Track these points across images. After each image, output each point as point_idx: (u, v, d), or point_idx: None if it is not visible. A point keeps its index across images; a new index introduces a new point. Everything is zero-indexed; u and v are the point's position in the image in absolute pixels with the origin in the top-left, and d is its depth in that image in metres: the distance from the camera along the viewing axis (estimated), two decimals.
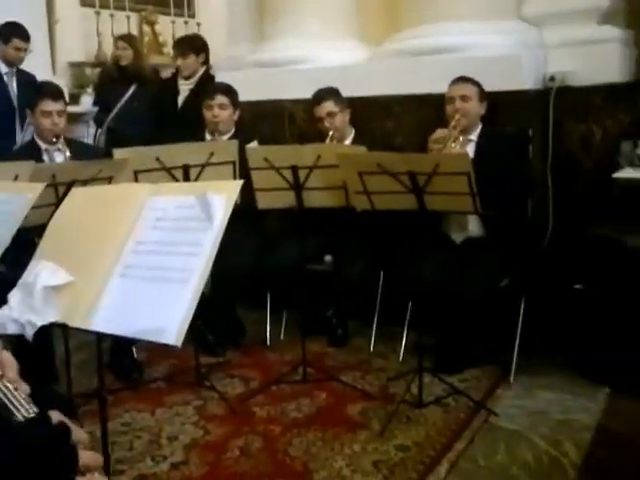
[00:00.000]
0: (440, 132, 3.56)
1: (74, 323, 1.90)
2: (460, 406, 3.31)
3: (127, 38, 6.23)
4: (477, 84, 3.78)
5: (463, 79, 3.78)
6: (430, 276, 3.45)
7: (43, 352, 3.41)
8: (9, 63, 5.26)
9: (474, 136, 3.79)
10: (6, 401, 1.22)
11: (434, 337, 3.72)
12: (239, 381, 3.71)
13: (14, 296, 1.99)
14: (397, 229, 3.70)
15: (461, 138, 3.60)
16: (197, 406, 3.41)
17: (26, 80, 5.27)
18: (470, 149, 3.68)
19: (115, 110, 5.89)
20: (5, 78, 5.28)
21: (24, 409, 1.22)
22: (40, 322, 1.91)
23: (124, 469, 2.83)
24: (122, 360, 3.76)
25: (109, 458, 2.21)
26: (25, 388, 1.28)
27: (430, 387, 3.43)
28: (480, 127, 3.82)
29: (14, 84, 5.31)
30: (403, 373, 3.57)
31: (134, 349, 3.86)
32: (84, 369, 3.74)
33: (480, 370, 3.68)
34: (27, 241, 2.42)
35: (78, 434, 1.24)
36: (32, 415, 1.21)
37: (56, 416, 1.25)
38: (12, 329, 1.94)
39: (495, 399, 3.39)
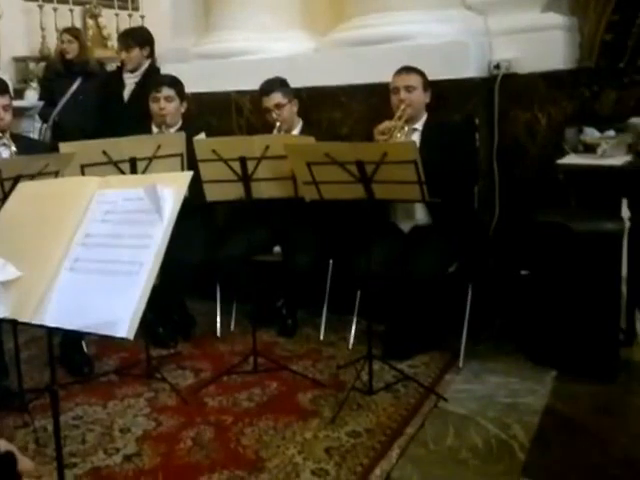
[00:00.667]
0: (385, 124, 3.58)
1: (24, 318, 1.87)
2: (410, 392, 3.36)
3: (72, 31, 6.13)
4: (421, 73, 3.79)
5: (407, 69, 3.79)
6: (378, 264, 3.49)
7: None
8: None
9: (419, 125, 3.82)
10: None
11: (383, 324, 3.78)
12: (190, 372, 3.71)
13: None
14: (345, 218, 3.74)
15: (406, 128, 3.61)
16: (149, 398, 3.41)
17: None
18: (415, 138, 3.70)
19: (61, 104, 5.82)
20: None
21: None
22: None
23: (77, 462, 2.82)
24: (72, 354, 3.74)
25: (61, 451, 2.17)
26: None
27: (380, 374, 3.49)
28: (425, 116, 3.85)
29: None
30: (353, 361, 3.60)
31: (84, 343, 3.83)
32: (34, 364, 3.74)
33: (429, 356, 3.74)
34: None
35: (24, 463, 1.22)
36: None
37: (3, 444, 1.22)
38: None
39: (444, 384, 3.45)
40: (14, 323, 1.96)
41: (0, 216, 2.20)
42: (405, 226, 3.87)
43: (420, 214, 3.81)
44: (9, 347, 3.49)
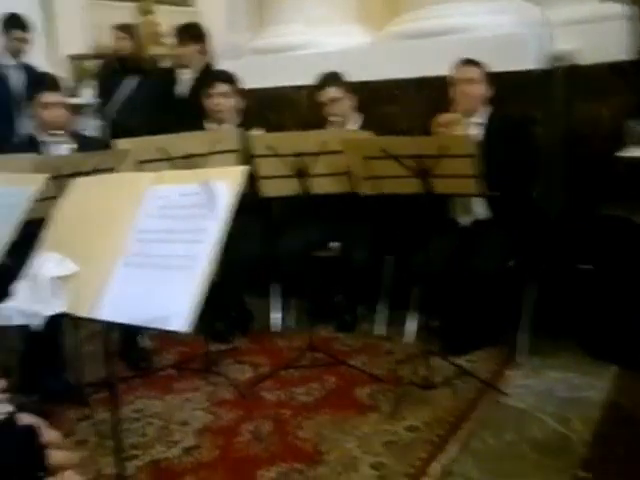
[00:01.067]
0: (445, 116, 3.55)
1: (81, 313, 1.92)
2: (468, 387, 3.32)
3: (125, 28, 6.15)
4: (482, 66, 3.74)
5: (468, 62, 3.75)
6: (436, 259, 3.46)
7: (52, 342, 3.42)
8: (11, 55, 5.25)
9: (479, 119, 3.76)
10: None
11: (441, 320, 3.74)
12: (248, 367, 3.74)
13: (20, 288, 2.00)
14: (402, 213, 3.71)
15: (466, 121, 3.58)
16: (207, 392, 3.45)
17: (30, 73, 5.26)
18: (475, 131, 3.66)
19: (118, 102, 5.88)
20: (7, 70, 5.27)
21: None
22: (47, 312, 1.93)
23: (138, 454, 2.87)
24: (129, 349, 3.80)
25: (121, 443, 2.24)
26: (1, 384, 1.27)
27: (438, 369, 3.45)
28: (486, 109, 3.79)
29: (17, 76, 5.30)
30: (411, 356, 3.58)
31: (139, 338, 3.87)
32: (95, 359, 3.71)
33: (487, 351, 3.69)
34: (33, 234, 2.43)
35: (49, 435, 1.24)
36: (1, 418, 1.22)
37: (27, 418, 1.24)
38: (18, 320, 1.95)
39: (503, 379, 3.40)
40: (75, 319, 1.98)
41: (57, 212, 2.24)
42: (464, 220, 3.82)
43: (479, 208, 3.76)
44: (70, 342, 3.55)
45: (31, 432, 1.20)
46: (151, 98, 5.55)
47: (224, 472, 2.74)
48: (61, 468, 1.20)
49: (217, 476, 2.72)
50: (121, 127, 5.64)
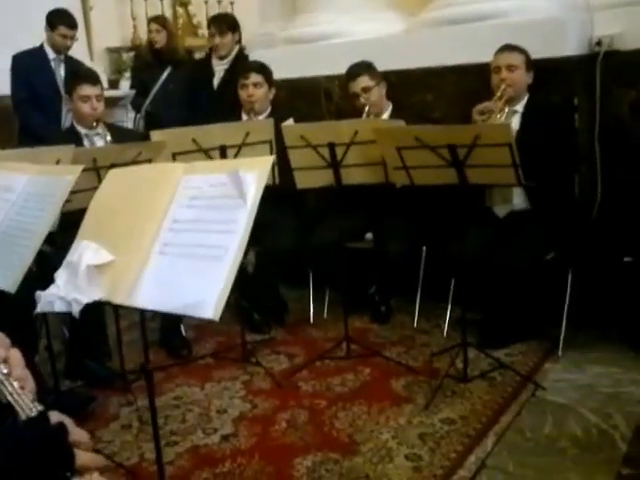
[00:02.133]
0: (486, 104, 3.50)
1: (117, 300, 1.96)
2: (506, 380, 3.28)
3: (159, 20, 6.20)
4: (524, 52, 3.67)
5: (509, 47, 3.67)
6: (473, 250, 3.42)
7: (95, 330, 3.53)
8: (56, 50, 5.30)
9: (520, 107, 3.70)
10: (12, 401, 1.22)
11: (478, 312, 3.68)
12: (284, 357, 3.76)
13: (60, 275, 2.07)
14: (438, 204, 3.66)
15: (506, 109, 3.53)
16: (244, 381, 3.49)
17: (74, 67, 5.27)
18: (516, 120, 3.63)
19: (152, 94, 5.92)
20: (53, 64, 5.31)
21: (28, 409, 1.22)
22: (85, 300, 1.98)
23: (178, 440, 2.94)
24: (171, 338, 3.87)
25: (157, 429, 2.26)
26: (31, 385, 1.27)
27: (475, 362, 3.42)
28: (527, 97, 3.73)
29: (61, 71, 5.33)
30: (447, 348, 3.54)
31: (182, 327, 3.95)
32: (136, 347, 3.80)
33: (526, 344, 3.63)
34: (73, 225, 2.45)
35: (78, 434, 1.22)
36: (33, 415, 1.21)
37: (56, 416, 1.23)
38: (59, 307, 2.02)
39: (542, 373, 3.35)
40: (114, 307, 2.03)
41: (93, 202, 2.28)
42: (501, 211, 3.76)
43: (518, 199, 3.70)
44: (112, 330, 3.64)
45: (62, 431, 1.18)
46: (184, 90, 5.58)
47: (261, 459, 2.78)
48: (87, 469, 1.20)
49: (254, 463, 2.75)
50: (155, 118, 5.70)
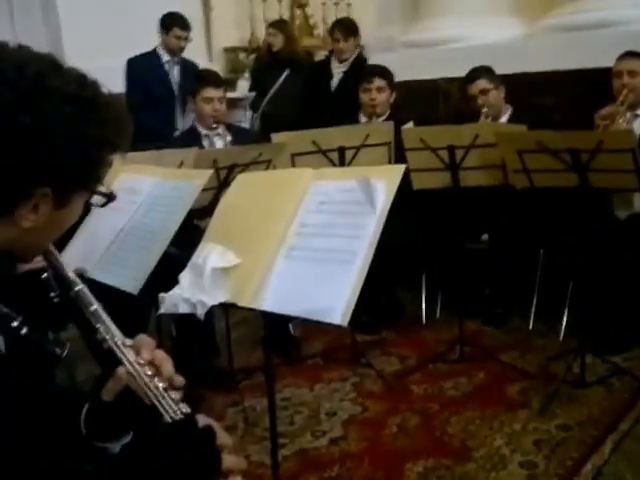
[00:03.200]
0: (608, 108, 3.50)
1: (243, 303, 1.98)
2: (625, 386, 3.20)
3: (277, 24, 6.34)
4: None
5: (631, 54, 3.70)
6: (593, 253, 3.34)
7: (206, 329, 3.51)
8: (171, 52, 5.47)
9: None
10: (156, 403, 1.22)
11: (596, 316, 3.59)
12: (395, 359, 3.74)
13: (185, 277, 2.09)
14: (557, 206, 3.60)
15: (629, 114, 3.53)
16: (354, 383, 3.47)
17: (187, 68, 5.47)
18: (638, 125, 3.59)
19: (269, 94, 6.04)
20: (166, 66, 5.50)
21: (172, 411, 1.22)
22: (211, 302, 2.01)
23: (285, 443, 2.90)
24: (279, 336, 3.81)
25: (275, 431, 2.30)
26: (178, 381, 1.27)
27: (593, 367, 3.34)
28: None
29: (175, 72, 5.52)
30: (564, 352, 3.47)
31: (291, 326, 3.92)
32: (243, 345, 3.90)
33: None
34: (188, 223, 2.56)
35: (222, 437, 1.24)
36: (179, 417, 1.22)
37: (203, 419, 1.26)
38: (184, 309, 2.04)
39: None
40: (225, 305, 2.07)
41: (220, 205, 2.33)
42: (621, 214, 3.69)
43: (639, 202, 3.63)
44: (220, 327, 3.64)
45: (211, 434, 1.20)
46: (301, 90, 5.65)
47: (371, 464, 2.76)
48: (230, 473, 1.22)
49: (364, 468, 2.74)
50: (271, 118, 5.80)
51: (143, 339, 1.31)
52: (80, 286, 1.30)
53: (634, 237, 3.49)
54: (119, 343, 1.27)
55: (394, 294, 4.28)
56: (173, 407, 1.22)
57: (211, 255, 2.06)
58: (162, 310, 2.09)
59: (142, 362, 1.25)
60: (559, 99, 4.26)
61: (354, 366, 3.64)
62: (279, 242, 2.01)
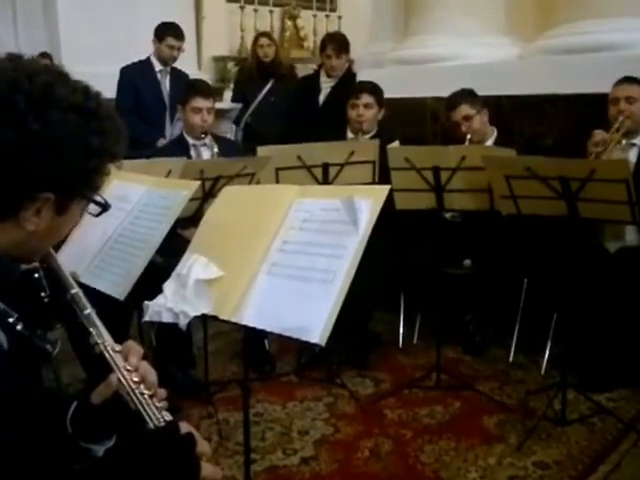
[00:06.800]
0: (600, 134, 3.44)
1: (224, 316, 1.98)
2: (607, 427, 3.13)
3: (270, 35, 6.35)
4: None
5: (629, 79, 3.62)
6: (580, 286, 3.28)
7: (184, 339, 3.52)
8: (163, 61, 5.43)
9: (638, 140, 3.63)
10: (140, 409, 1.27)
11: (580, 351, 3.52)
12: (370, 382, 3.69)
13: (169, 287, 2.11)
14: (544, 235, 3.55)
15: (624, 142, 3.48)
16: (328, 403, 3.43)
17: (179, 78, 5.43)
18: (633, 153, 3.56)
19: (252, 106, 6.02)
20: (159, 76, 5.46)
21: (155, 418, 1.27)
22: (193, 313, 2.02)
23: (256, 458, 2.88)
24: (254, 351, 3.79)
25: (249, 446, 2.30)
26: (162, 394, 1.34)
27: (574, 404, 3.28)
28: None
29: (167, 82, 5.48)
30: (545, 387, 3.42)
31: (266, 341, 3.89)
32: (219, 357, 3.89)
33: (631, 390, 3.44)
34: (170, 232, 2.56)
35: (202, 446, 1.28)
36: (162, 424, 1.27)
37: (185, 427, 1.29)
38: (167, 318, 2.06)
39: None
40: (204, 317, 2.06)
41: (206, 217, 2.33)
42: (612, 246, 3.63)
43: (630, 235, 3.59)
44: (197, 338, 3.62)
45: (192, 442, 1.25)
46: (286, 103, 5.63)
47: None
48: None
49: None
50: (253, 131, 5.78)
51: (131, 345, 1.37)
52: (76, 289, 1.39)
53: (624, 271, 3.42)
54: (109, 348, 1.34)
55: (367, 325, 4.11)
56: (157, 414, 1.28)
57: (195, 266, 2.08)
58: (146, 318, 2.11)
59: (130, 368, 1.32)
60: (551, 124, 4.22)
61: (329, 386, 3.60)
62: (262, 257, 2.01)
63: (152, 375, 1.34)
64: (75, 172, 1.18)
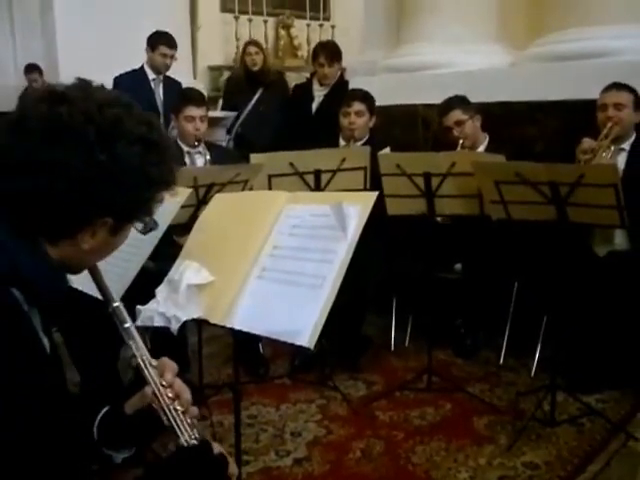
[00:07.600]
0: (588, 141, 3.46)
1: (215, 320, 2.02)
2: (596, 428, 3.16)
3: (258, 43, 6.33)
4: (633, 91, 3.60)
5: (617, 86, 3.61)
6: (569, 289, 3.32)
7: (179, 343, 3.50)
8: (156, 70, 5.47)
9: (627, 145, 3.63)
10: (174, 424, 1.30)
11: (570, 353, 3.56)
12: (362, 384, 3.72)
13: (161, 292, 2.15)
14: (534, 239, 3.59)
15: (612, 148, 3.47)
16: (320, 405, 3.46)
17: (172, 87, 5.47)
18: (622, 159, 3.57)
19: (243, 115, 6.02)
20: (152, 84, 5.51)
21: (188, 434, 1.30)
22: (185, 317, 2.05)
23: (250, 460, 2.92)
24: (249, 355, 3.84)
25: (240, 448, 2.33)
26: (194, 412, 1.37)
27: (564, 405, 3.31)
28: (634, 137, 3.65)
29: (160, 90, 5.53)
30: (534, 389, 3.44)
31: (261, 345, 3.93)
32: (213, 360, 3.92)
33: (620, 391, 3.48)
34: (166, 238, 2.56)
35: (232, 468, 1.32)
36: (194, 442, 1.29)
37: (216, 447, 1.32)
38: (159, 322, 2.10)
39: (637, 423, 3.21)
40: (199, 321, 2.10)
41: (198, 223, 2.37)
42: (601, 250, 3.65)
43: (619, 238, 3.61)
44: (192, 342, 3.67)
45: (225, 462, 1.28)
46: (276, 111, 5.65)
47: None
48: None
49: None
50: (244, 140, 5.79)
51: (167, 362, 1.41)
52: (117, 303, 1.41)
53: (613, 274, 3.44)
54: (147, 362, 1.37)
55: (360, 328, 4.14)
56: (189, 431, 1.31)
57: (187, 272, 2.11)
58: (138, 322, 2.12)
59: (165, 384, 1.34)
60: (541, 130, 4.24)
61: (321, 388, 3.63)
62: (252, 262, 2.04)
63: (186, 393, 1.37)
64: (134, 200, 1.25)
